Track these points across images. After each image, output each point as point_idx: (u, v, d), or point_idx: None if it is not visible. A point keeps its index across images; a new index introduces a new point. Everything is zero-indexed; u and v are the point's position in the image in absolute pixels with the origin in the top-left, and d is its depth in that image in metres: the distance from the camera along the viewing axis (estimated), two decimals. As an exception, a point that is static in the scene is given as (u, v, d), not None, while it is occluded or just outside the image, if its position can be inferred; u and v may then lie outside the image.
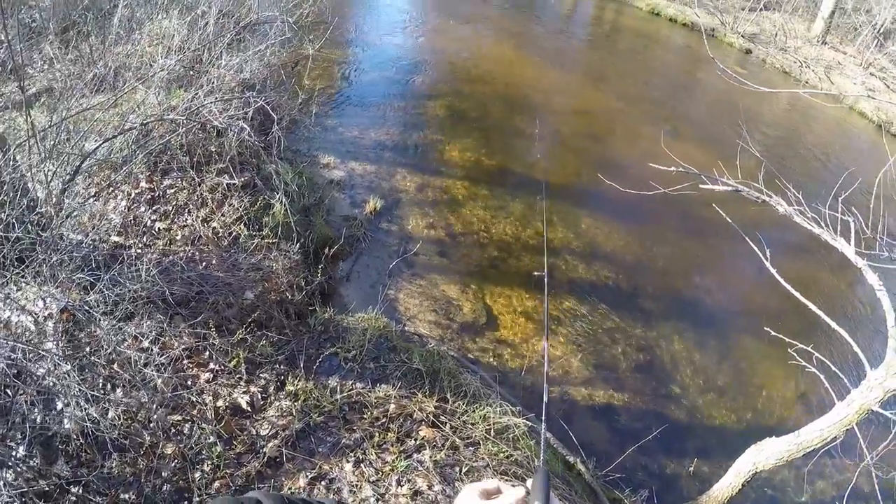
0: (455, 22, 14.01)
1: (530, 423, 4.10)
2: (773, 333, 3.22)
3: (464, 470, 3.62)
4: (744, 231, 3.84)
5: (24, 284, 4.14)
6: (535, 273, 5.69)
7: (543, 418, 1.41)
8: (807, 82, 13.30)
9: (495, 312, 5.72)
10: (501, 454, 3.80)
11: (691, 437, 5.02)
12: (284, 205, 5.41)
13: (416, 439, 3.84)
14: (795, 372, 5.44)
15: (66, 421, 3.53)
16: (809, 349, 3.05)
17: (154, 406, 3.73)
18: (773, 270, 3.06)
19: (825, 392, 3.31)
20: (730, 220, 3.79)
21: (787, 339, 3.10)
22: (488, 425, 3.98)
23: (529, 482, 1.05)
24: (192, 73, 6.93)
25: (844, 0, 15.92)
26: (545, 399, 1.47)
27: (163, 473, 3.55)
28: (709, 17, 16.46)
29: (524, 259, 6.48)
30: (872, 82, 13.70)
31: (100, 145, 4.99)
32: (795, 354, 3.12)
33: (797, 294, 2.97)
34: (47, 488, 3.27)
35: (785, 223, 3.56)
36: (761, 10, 16.48)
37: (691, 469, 4.67)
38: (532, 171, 8.20)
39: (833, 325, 2.81)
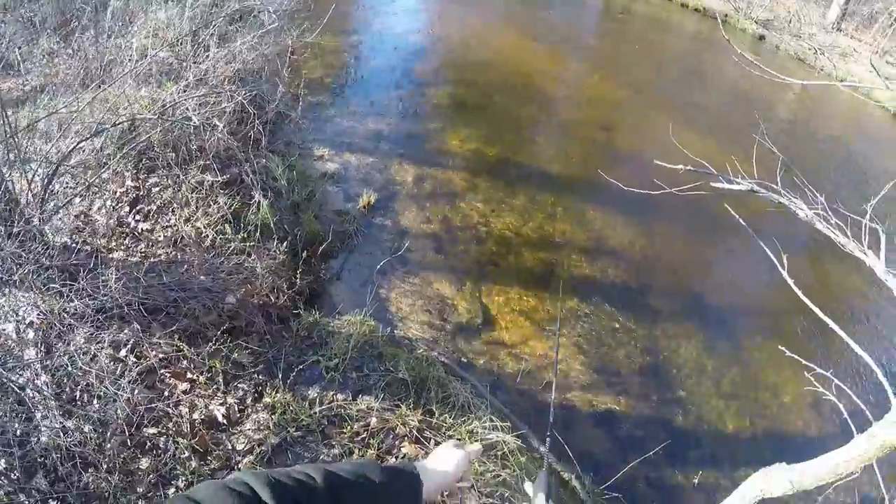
0: (459, 6, 13.63)
1: (518, 442, 3.86)
2: (788, 354, 2.92)
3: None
4: (755, 226, 3.54)
5: (7, 289, 3.99)
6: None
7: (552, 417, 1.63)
8: (821, 69, 12.84)
9: (492, 312, 5.47)
10: (488, 474, 3.57)
11: (697, 446, 4.75)
12: (270, 200, 5.19)
13: (397, 457, 3.63)
14: (809, 378, 5.14)
15: (43, 434, 3.39)
16: (828, 374, 2.76)
17: (133, 418, 3.56)
18: (791, 282, 2.75)
19: (842, 403, 3.02)
20: (743, 223, 3.48)
21: (804, 362, 2.80)
22: (476, 440, 3.75)
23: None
24: (184, 64, 6.74)
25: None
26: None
27: (137, 489, 3.40)
28: (722, 3, 15.95)
29: (525, 255, 6.21)
30: (888, 70, 13.13)
31: (78, 144, 4.80)
32: (812, 379, 2.82)
33: (821, 314, 2.66)
34: (27, 503, 3.15)
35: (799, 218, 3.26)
36: (776, -5, 16.01)
37: (696, 480, 4.41)
38: (536, 162, 7.92)
39: (857, 349, 2.50)
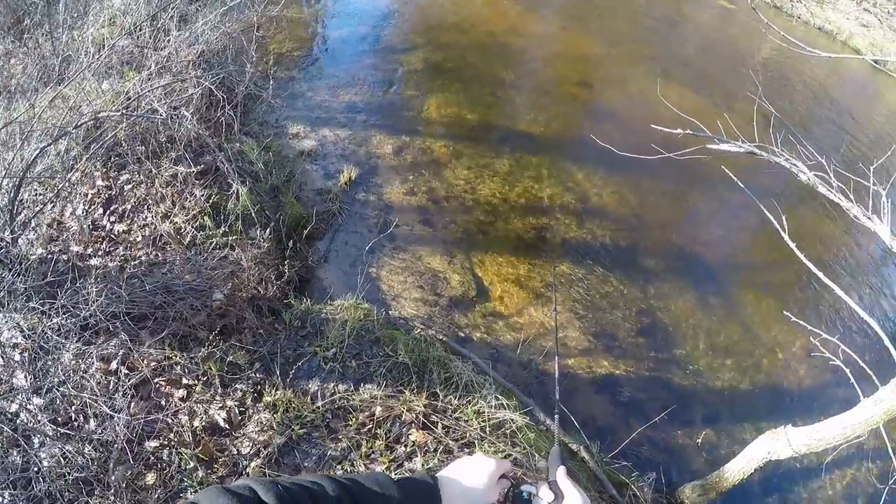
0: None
1: (526, 419, 3.85)
2: (794, 319, 2.89)
3: None
4: (736, 176, 3.46)
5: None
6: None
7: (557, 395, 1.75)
8: (798, 17, 12.62)
9: (486, 283, 5.40)
10: (499, 454, 3.55)
11: (698, 404, 4.78)
12: (249, 187, 5.03)
13: (406, 445, 3.59)
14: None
15: (43, 461, 3.30)
16: (835, 340, 2.73)
17: (133, 434, 3.48)
18: (792, 245, 2.71)
19: (835, 353, 3.01)
20: (742, 186, 3.41)
21: (809, 327, 2.77)
22: (483, 421, 3.73)
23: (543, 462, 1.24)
24: (145, 52, 6.44)
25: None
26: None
27: (146, 507, 3.34)
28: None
29: (513, 221, 6.12)
30: (866, 17, 12.95)
31: (42, 150, 4.58)
32: (819, 345, 2.79)
33: (830, 282, 2.61)
34: (35, 534, 3.09)
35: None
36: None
37: (699, 440, 4.45)
38: (517, 124, 7.76)
39: (863, 314, 2.48)
